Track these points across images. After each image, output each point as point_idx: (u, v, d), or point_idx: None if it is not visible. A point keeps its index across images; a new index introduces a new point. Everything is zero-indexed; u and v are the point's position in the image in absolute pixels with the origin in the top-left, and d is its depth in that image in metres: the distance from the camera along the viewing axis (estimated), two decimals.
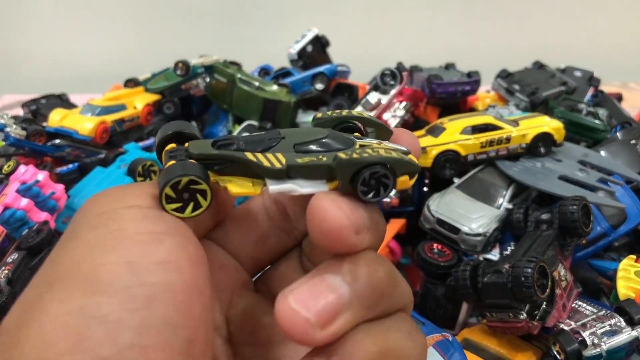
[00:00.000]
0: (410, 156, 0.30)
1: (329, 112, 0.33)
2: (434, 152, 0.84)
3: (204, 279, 0.26)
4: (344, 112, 0.33)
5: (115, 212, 0.26)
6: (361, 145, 0.30)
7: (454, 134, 0.86)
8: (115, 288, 0.23)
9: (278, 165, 0.28)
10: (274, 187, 0.28)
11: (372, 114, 1.12)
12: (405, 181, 0.29)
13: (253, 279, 0.36)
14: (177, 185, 0.27)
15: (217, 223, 0.34)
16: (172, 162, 0.29)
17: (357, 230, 0.26)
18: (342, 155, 0.28)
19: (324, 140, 0.30)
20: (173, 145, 0.31)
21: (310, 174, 0.28)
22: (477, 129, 0.86)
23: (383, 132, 0.33)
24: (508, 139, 0.85)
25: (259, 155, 0.29)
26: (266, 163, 0.28)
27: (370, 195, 0.28)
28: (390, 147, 0.30)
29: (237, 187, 0.29)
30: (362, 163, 0.27)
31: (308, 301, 0.25)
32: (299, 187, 0.28)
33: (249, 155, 0.29)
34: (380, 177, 0.28)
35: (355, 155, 0.27)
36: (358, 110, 1.13)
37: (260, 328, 0.31)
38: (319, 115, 0.33)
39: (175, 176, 0.27)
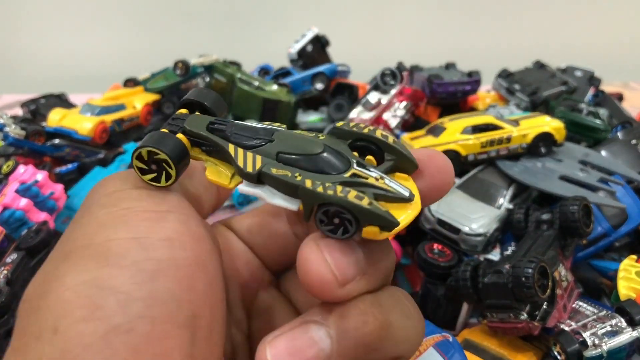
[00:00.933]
0: (411, 205, 0.27)
1: (352, 124, 0.30)
2: None
3: (207, 255, 0.27)
4: (366, 130, 0.30)
5: (123, 192, 0.28)
6: (353, 174, 0.27)
7: (455, 134, 0.85)
8: (125, 262, 0.24)
9: (249, 169, 0.27)
10: (244, 187, 0.28)
11: (372, 113, 1.11)
12: (374, 233, 0.25)
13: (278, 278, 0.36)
14: (141, 156, 0.28)
15: (221, 202, 0.34)
16: (163, 130, 0.29)
17: (343, 282, 0.25)
18: (307, 183, 0.26)
19: (312, 157, 0.28)
20: (184, 111, 0.31)
21: (281, 188, 0.27)
22: (477, 129, 0.86)
23: (405, 163, 0.29)
24: (509, 139, 0.85)
25: (240, 152, 0.28)
26: (240, 162, 0.28)
27: (329, 230, 0.26)
28: (384, 188, 0.27)
29: (214, 173, 0.29)
30: (320, 199, 0.25)
31: (284, 357, 0.25)
32: (269, 196, 0.27)
33: (231, 147, 0.28)
34: (344, 218, 0.25)
35: (319, 189, 0.25)
36: (356, 110, 1.14)
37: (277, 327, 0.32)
38: (340, 124, 0.31)
39: (139, 147, 0.28)
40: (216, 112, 0.32)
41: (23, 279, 0.70)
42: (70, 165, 1.03)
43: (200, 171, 0.31)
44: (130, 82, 1.29)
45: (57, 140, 1.05)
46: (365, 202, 0.25)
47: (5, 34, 1.96)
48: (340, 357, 0.25)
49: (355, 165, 0.28)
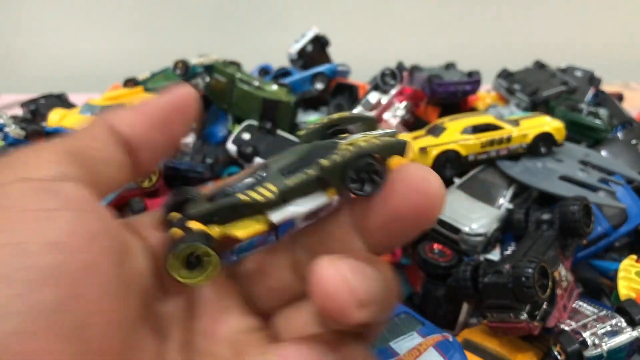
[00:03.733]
0: (401, 135, 0.31)
1: (311, 125, 0.34)
2: (435, 152, 0.84)
3: (102, 254, 0.25)
4: (325, 119, 0.33)
5: (8, 185, 0.24)
6: (347, 144, 0.30)
7: (455, 134, 0.85)
8: None
9: (270, 195, 0.29)
10: (275, 216, 0.29)
11: (373, 114, 1.12)
12: (396, 162, 0.29)
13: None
14: (179, 255, 0.28)
15: (130, 176, 0.31)
16: (174, 229, 0.29)
17: (361, 303, 0.25)
18: (324, 161, 0.28)
19: (307, 155, 0.30)
20: (175, 214, 0.32)
21: (305, 190, 0.28)
22: (477, 129, 0.86)
23: (367, 123, 0.34)
24: (509, 139, 0.85)
25: (251, 193, 0.29)
26: (259, 197, 0.29)
27: (368, 187, 0.28)
28: (375, 135, 0.30)
29: (243, 230, 0.29)
30: (344, 161, 0.28)
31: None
32: (300, 207, 0.29)
33: (242, 196, 0.29)
34: (369, 169, 0.28)
35: (335, 157, 0.28)
36: (356, 111, 1.14)
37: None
38: (302, 132, 0.34)
39: (176, 249, 0.28)
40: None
41: None
42: None
43: (106, 150, 0.29)
44: (130, 82, 1.29)
45: None
46: (377, 140, 0.29)
47: (4, 33, 1.96)
48: None
49: (341, 140, 0.31)
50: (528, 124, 0.87)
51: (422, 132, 0.91)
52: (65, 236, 0.23)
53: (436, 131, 0.88)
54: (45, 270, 0.22)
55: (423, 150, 0.85)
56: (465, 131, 0.86)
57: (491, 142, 0.85)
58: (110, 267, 0.25)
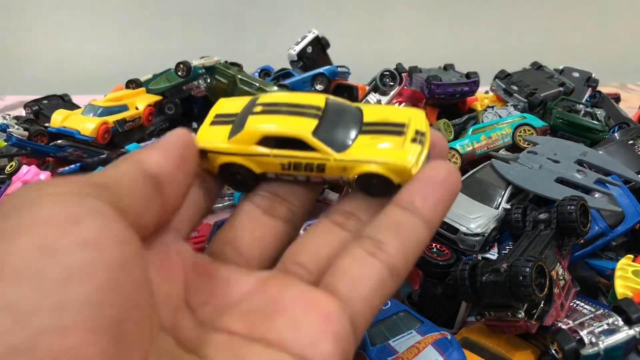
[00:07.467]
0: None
1: None
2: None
3: (133, 258, 0.25)
4: None
5: (32, 199, 0.25)
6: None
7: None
8: (25, 274, 0.21)
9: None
10: None
11: None
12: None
13: None
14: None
15: (162, 223, 0.31)
16: None
17: None
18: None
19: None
20: None
21: None
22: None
23: None
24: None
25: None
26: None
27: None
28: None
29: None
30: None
31: None
32: None
33: None
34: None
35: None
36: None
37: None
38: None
39: None
40: None
41: None
42: (73, 166, 1.04)
43: (135, 185, 0.29)
44: (133, 83, 1.30)
45: (60, 141, 1.06)
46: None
47: (8, 35, 1.97)
48: None
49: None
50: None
51: None
52: (94, 236, 0.23)
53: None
54: (79, 267, 0.22)
55: None
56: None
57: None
58: (143, 270, 0.25)
